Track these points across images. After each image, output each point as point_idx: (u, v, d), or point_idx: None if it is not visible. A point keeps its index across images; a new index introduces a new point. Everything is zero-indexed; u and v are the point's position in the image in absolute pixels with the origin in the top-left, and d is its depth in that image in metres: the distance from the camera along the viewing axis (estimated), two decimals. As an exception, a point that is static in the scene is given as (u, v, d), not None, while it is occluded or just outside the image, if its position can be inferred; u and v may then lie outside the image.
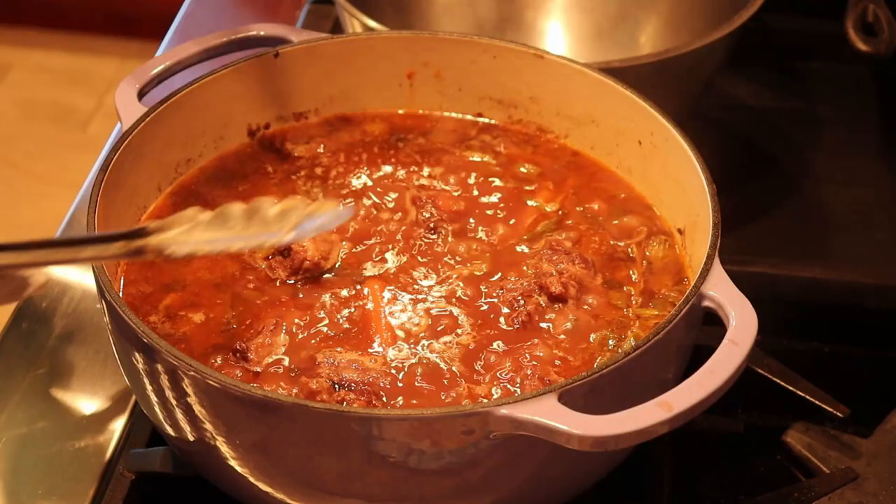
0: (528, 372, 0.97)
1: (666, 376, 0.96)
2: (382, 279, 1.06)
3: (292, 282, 1.05)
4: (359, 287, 1.05)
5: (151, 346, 0.89)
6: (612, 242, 1.10)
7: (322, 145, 1.19)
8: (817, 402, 1.13)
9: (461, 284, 1.05)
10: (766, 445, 1.13)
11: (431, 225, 1.11)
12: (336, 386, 0.95)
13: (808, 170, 1.50)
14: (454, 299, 1.04)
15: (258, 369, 0.97)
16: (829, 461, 1.10)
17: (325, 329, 1.01)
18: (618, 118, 1.14)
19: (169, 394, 0.92)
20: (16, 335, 1.21)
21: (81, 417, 1.14)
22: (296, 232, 0.88)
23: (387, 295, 1.04)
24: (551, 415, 0.84)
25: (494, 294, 1.04)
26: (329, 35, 1.20)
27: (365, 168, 1.17)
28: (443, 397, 0.95)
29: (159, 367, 0.90)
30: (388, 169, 1.17)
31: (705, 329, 0.97)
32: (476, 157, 1.19)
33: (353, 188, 1.15)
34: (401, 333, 1.01)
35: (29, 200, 2.82)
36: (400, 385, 0.96)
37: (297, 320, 1.01)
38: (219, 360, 0.98)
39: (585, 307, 1.03)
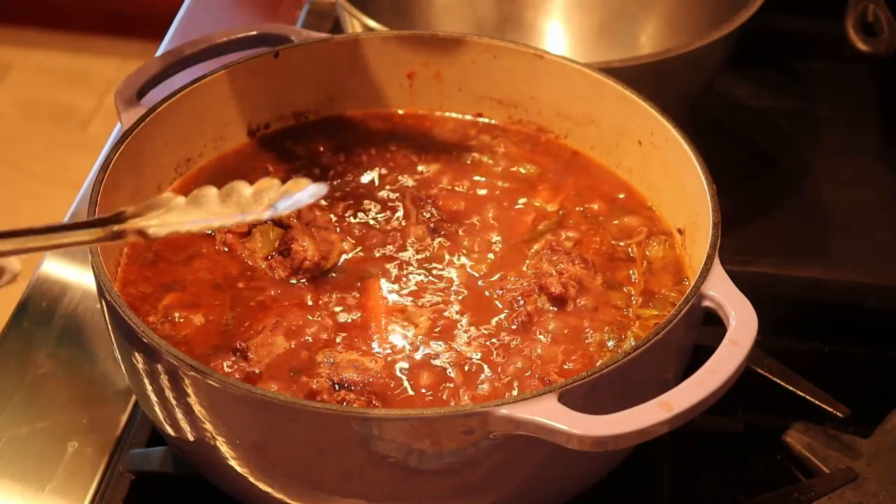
0: (528, 372, 0.97)
1: (666, 376, 0.96)
2: (382, 279, 1.06)
3: (293, 282, 1.05)
4: (359, 287, 1.05)
5: (151, 347, 0.89)
6: (612, 242, 1.10)
7: (322, 145, 1.19)
8: (817, 402, 1.13)
9: (461, 284, 1.05)
10: (766, 445, 1.13)
11: (431, 225, 1.11)
12: (336, 386, 0.95)
13: (808, 170, 1.50)
14: (454, 299, 1.04)
15: (258, 369, 0.97)
16: (829, 461, 1.10)
17: (325, 329, 1.01)
18: (618, 118, 1.14)
19: (169, 394, 0.92)
20: (16, 335, 1.21)
21: (81, 417, 1.14)
22: (272, 209, 0.88)
23: (387, 295, 1.04)
24: (551, 415, 0.84)
25: (494, 294, 1.04)
26: (329, 35, 1.20)
27: (365, 168, 1.17)
28: (443, 397, 0.95)
29: (159, 367, 0.90)
30: (387, 169, 1.17)
31: (705, 329, 0.97)
32: (476, 157, 1.19)
33: (354, 188, 1.15)
34: (401, 333, 1.01)
35: (29, 200, 2.82)
36: (400, 385, 0.96)
37: (297, 320, 1.01)
38: (219, 360, 0.97)
39: (585, 307, 1.03)
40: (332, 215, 1.12)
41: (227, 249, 1.08)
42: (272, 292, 1.04)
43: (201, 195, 0.87)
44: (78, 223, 0.86)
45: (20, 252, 0.84)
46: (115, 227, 0.85)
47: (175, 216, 0.86)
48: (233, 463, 0.93)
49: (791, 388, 1.14)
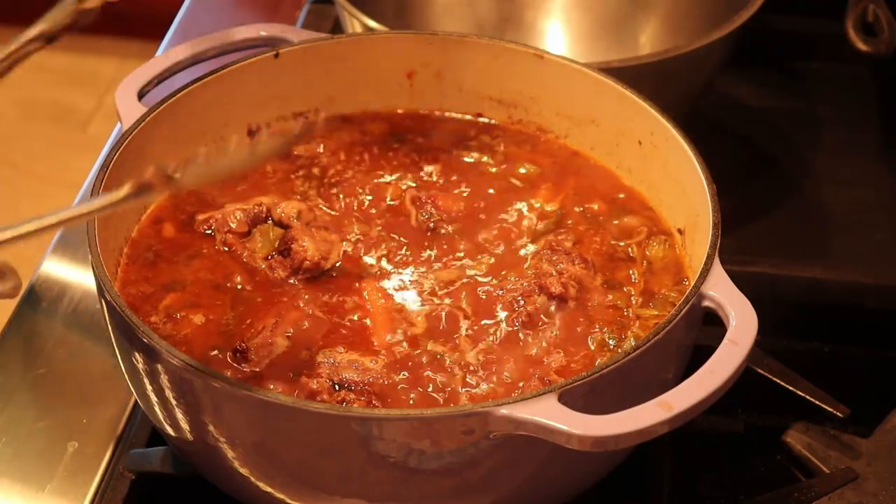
0: (528, 372, 0.97)
1: (666, 376, 0.96)
2: (382, 279, 1.06)
3: (293, 282, 1.05)
4: (359, 287, 1.05)
5: (152, 347, 0.89)
6: (612, 242, 1.10)
7: (322, 145, 1.19)
8: (817, 402, 1.13)
9: (461, 285, 1.05)
10: (766, 445, 1.13)
11: (431, 225, 1.11)
12: (336, 386, 0.95)
13: (808, 170, 1.50)
14: (454, 300, 1.04)
15: (258, 369, 0.97)
16: (829, 461, 1.10)
17: (325, 329, 1.01)
18: (618, 118, 1.14)
19: (169, 394, 0.92)
20: (16, 335, 1.21)
21: (81, 417, 1.14)
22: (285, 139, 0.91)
23: (387, 295, 1.04)
24: (551, 415, 0.84)
25: (494, 294, 1.04)
26: (329, 35, 1.20)
27: (365, 168, 1.17)
28: (443, 397, 0.95)
29: (159, 367, 0.90)
30: (387, 169, 1.17)
31: (705, 329, 0.97)
32: (476, 158, 1.19)
33: (353, 188, 1.15)
34: (401, 334, 1.01)
35: (29, 200, 2.82)
36: (400, 385, 0.96)
37: (297, 320, 1.01)
38: (219, 361, 0.97)
39: (585, 307, 1.03)
40: (331, 215, 1.12)
41: (227, 249, 1.08)
42: (272, 292, 1.04)
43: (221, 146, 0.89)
44: (104, 195, 0.87)
45: (58, 227, 0.86)
46: (145, 184, 0.86)
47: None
48: (233, 463, 0.93)
49: (791, 388, 1.14)
